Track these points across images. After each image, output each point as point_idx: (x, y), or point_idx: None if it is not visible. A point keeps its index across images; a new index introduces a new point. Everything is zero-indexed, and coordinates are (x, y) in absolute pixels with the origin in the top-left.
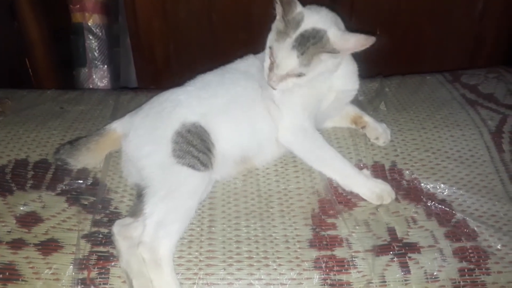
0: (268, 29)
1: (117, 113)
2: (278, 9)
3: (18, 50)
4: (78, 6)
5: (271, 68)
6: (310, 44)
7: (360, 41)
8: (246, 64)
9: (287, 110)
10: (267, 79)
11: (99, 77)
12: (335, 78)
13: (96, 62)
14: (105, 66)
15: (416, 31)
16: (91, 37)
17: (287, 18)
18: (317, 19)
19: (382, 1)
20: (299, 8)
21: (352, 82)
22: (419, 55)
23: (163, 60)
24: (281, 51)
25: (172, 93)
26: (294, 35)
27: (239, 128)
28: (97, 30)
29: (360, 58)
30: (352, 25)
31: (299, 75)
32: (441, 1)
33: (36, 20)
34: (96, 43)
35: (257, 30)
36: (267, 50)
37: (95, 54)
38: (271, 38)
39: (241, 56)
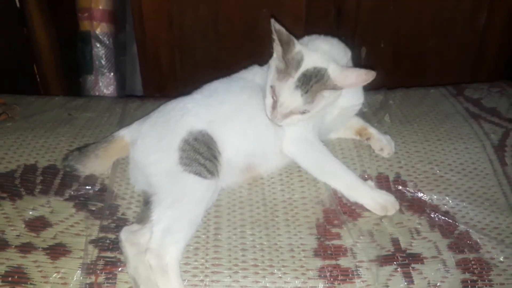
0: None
1: (124, 121)
2: (277, 48)
3: (27, 56)
4: (86, 14)
5: (274, 106)
6: (313, 83)
7: (360, 77)
8: (252, 74)
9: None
10: (271, 116)
11: (105, 85)
12: (340, 96)
13: (102, 69)
14: (112, 74)
15: (419, 44)
16: (98, 45)
17: (287, 58)
18: (316, 57)
19: (386, 15)
20: (297, 47)
21: (356, 98)
22: (422, 67)
23: (168, 69)
24: (285, 90)
25: (179, 101)
26: (296, 75)
27: (244, 136)
28: (104, 38)
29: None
30: (356, 41)
31: (303, 112)
32: (444, 15)
33: (45, 27)
34: (103, 51)
35: (262, 41)
36: (268, 89)
37: (102, 62)
38: (271, 78)
39: (245, 66)
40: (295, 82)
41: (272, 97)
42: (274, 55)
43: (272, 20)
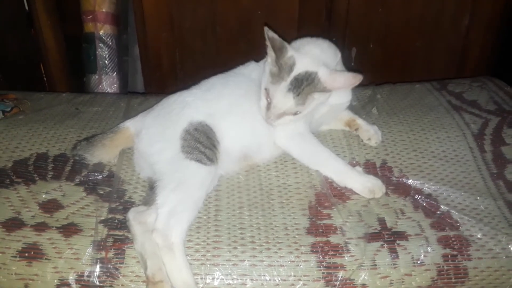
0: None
1: (128, 115)
2: (270, 53)
3: (34, 56)
4: (91, 16)
5: (268, 108)
6: (304, 86)
7: (348, 80)
8: (248, 70)
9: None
10: (265, 117)
11: (108, 84)
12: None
13: (106, 69)
14: (115, 73)
15: (406, 44)
16: (102, 46)
17: (280, 62)
18: (307, 62)
19: (374, 17)
20: (290, 52)
21: (345, 95)
22: (409, 66)
23: (169, 68)
24: (278, 93)
25: (180, 95)
26: (289, 78)
27: (240, 128)
28: (108, 39)
29: (354, 68)
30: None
31: (295, 113)
32: (430, 17)
33: (51, 29)
34: (106, 52)
35: (257, 41)
36: (262, 91)
37: (106, 62)
38: (265, 81)
39: (241, 64)
40: (288, 86)
41: (266, 99)
42: (268, 59)
43: (266, 28)
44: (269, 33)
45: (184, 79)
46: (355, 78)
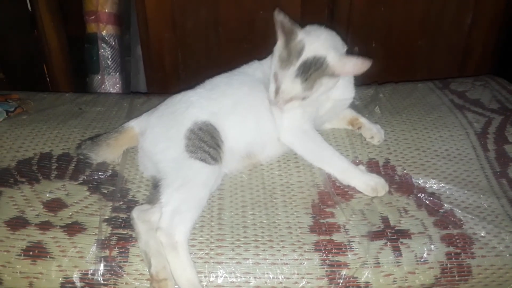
0: (271, 47)
1: (131, 115)
2: (280, 36)
3: (37, 56)
4: (93, 17)
5: (277, 92)
6: (313, 71)
7: (357, 65)
8: (252, 69)
9: (288, 113)
10: (274, 101)
11: (111, 84)
12: (333, 89)
13: (108, 69)
14: (117, 73)
15: (409, 43)
16: (104, 46)
17: (289, 46)
18: (317, 46)
19: (376, 16)
20: (300, 35)
21: (348, 92)
22: (411, 65)
23: (171, 69)
24: (286, 78)
25: (184, 95)
26: (297, 63)
27: (245, 126)
28: (110, 39)
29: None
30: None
31: (303, 98)
32: (432, 15)
33: (54, 29)
34: (109, 52)
35: (260, 41)
36: (272, 76)
37: (108, 62)
38: (275, 65)
39: (245, 63)
40: (296, 71)
41: (276, 84)
42: (278, 43)
43: (276, 11)
44: (279, 16)
45: (187, 79)
46: (364, 64)
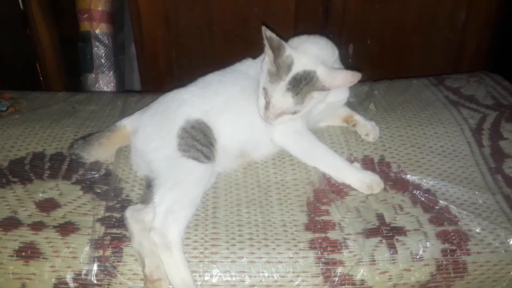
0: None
1: (125, 113)
2: (268, 52)
3: (29, 55)
4: (86, 15)
5: (266, 107)
6: (303, 85)
7: (347, 78)
8: (245, 66)
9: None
10: (264, 116)
11: (105, 83)
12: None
13: (102, 68)
14: (111, 72)
15: (403, 40)
16: (98, 45)
17: (278, 61)
18: (306, 61)
19: (371, 13)
20: (287, 51)
21: (342, 94)
22: (406, 62)
23: (165, 67)
24: (276, 93)
25: (176, 93)
26: (287, 78)
27: (237, 125)
28: (104, 38)
29: (352, 64)
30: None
31: (294, 112)
32: (426, 12)
33: (47, 28)
34: (103, 51)
35: (253, 40)
36: (261, 91)
37: (102, 60)
38: (264, 80)
39: (239, 61)
40: (286, 85)
41: (265, 98)
42: (266, 58)
43: (263, 27)
44: (266, 32)
45: (181, 77)
46: (354, 76)
